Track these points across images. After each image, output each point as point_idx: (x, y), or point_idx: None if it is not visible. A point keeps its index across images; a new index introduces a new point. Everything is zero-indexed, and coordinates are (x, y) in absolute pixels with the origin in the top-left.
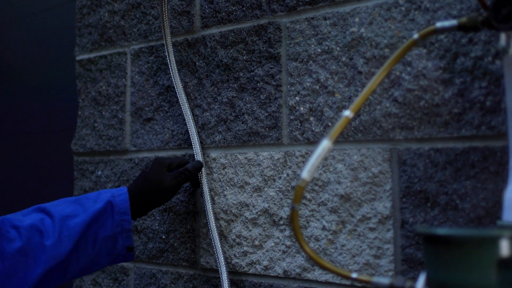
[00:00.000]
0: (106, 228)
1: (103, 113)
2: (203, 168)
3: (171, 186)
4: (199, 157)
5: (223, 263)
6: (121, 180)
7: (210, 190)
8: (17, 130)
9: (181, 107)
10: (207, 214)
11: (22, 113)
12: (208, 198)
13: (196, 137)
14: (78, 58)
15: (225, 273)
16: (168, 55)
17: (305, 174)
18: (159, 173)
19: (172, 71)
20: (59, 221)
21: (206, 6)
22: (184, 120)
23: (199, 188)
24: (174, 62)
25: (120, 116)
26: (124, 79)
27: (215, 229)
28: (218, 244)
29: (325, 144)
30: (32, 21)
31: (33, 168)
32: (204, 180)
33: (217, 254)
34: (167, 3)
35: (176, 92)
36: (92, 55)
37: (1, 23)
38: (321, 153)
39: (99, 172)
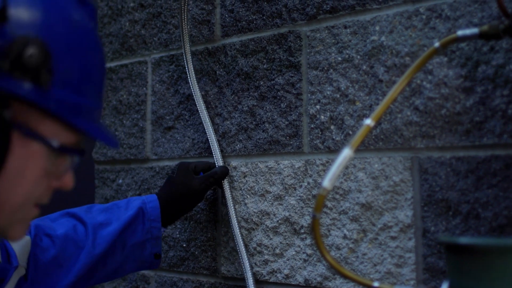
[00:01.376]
0: (136, 235)
1: (124, 121)
2: (228, 192)
3: (200, 190)
4: (220, 165)
5: (249, 271)
6: (142, 188)
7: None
8: None
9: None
10: (231, 222)
11: None
12: (232, 206)
13: (216, 145)
14: None
15: (251, 278)
16: (187, 64)
17: (327, 182)
18: (186, 176)
19: (190, 80)
20: (92, 229)
21: (227, 15)
22: (205, 128)
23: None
24: (193, 71)
25: (141, 125)
26: (145, 88)
27: (239, 237)
28: (244, 251)
29: (346, 152)
30: None
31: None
32: (226, 188)
33: (243, 261)
34: (187, 12)
35: (195, 101)
36: (113, 64)
37: None
38: (343, 162)
39: (120, 181)
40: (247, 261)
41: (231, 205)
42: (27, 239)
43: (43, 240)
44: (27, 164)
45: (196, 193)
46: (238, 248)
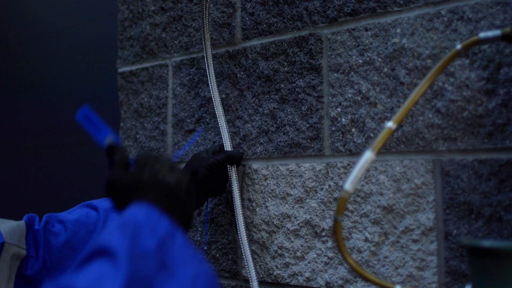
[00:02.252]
0: None
1: (145, 124)
2: (235, 181)
3: (202, 180)
4: (231, 169)
5: (254, 274)
6: None
7: (251, 201)
8: (60, 141)
9: (218, 120)
10: (238, 225)
11: (64, 124)
12: (240, 207)
13: (230, 149)
14: (120, 70)
15: (255, 281)
16: (208, 68)
17: (348, 185)
18: (196, 164)
19: (211, 83)
20: (103, 213)
21: (247, 18)
22: (221, 135)
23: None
24: (214, 75)
25: (162, 128)
26: (165, 91)
27: (245, 239)
28: (249, 253)
29: (368, 155)
30: (74, 33)
31: (76, 179)
32: (235, 189)
33: (247, 264)
34: (208, 16)
35: (214, 106)
36: (134, 68)
37: (44, 35)
38: (364, 165)
39: None
40: (251, 263)
41: (239, 205)
42: (20, 222)
43: (55, 226)
44: None
45: (198, 183)
46: (243, 251)
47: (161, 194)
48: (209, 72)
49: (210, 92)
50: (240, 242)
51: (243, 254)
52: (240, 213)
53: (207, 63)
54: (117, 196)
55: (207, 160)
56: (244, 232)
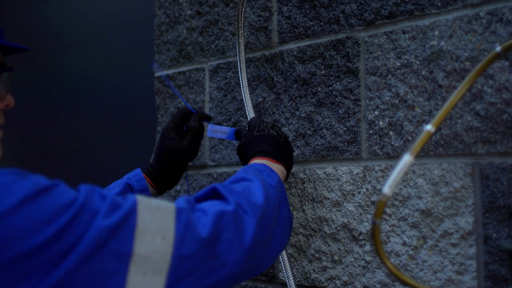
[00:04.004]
0: None
1: None
2: None
3: (183, 150)
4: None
5: (291, 278)
6: None
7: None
8: (97, 144)
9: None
10: None
11: (102, 128)
12: None
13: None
14: (157, 74)
15: (293, 285)
16: (240, 72)
17: (387, 189)
18: (168, 141)
19: (243, 88)
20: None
21: (284, 22)
22: None
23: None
24: (246, 79)
25: None
26: (202, 95)
27: None
28: (286, 257)
29: (406, 159)
30: (111, 38)
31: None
32: None
33: (285, 268)
34: (243, 20)
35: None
36: (170, 72)
37: (83, 40)
38: (403, 168)
39: (178, 187)
40: (288, 267)
41: None
42: None
43: None
44: None
45: (180, 153)
46: (280, 256)
47: (268, 143)
48: (241, 76)
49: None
50: None
51: (281, 257)
52: None
53: (240, 68)
54: (242, 153)
55: (179, 144)
56: None
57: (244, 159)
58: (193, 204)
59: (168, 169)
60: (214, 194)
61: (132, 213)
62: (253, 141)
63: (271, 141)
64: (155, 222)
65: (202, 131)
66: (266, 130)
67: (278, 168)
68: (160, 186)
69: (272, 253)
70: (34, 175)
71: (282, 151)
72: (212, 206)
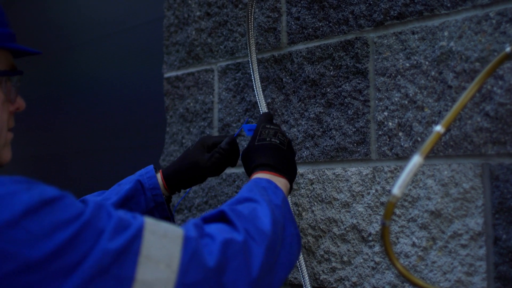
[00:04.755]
0: (141, 205)
1: (191, 129)
2: None
3: (206, 167)
4: None
5: (307, 279)
6: (209, 195)
7: (297, 205)
8: (106, 146)
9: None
10: None
11: (111, 129)
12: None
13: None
14: (166, 75)
15: (309, 286)
16: (253, 73)
17: (396, 190)
18: (197, 153)
19: (256, 88)
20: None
21: (293, 23)
22: None
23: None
24: (259, 79)
25: (208, 132)
26: (211, 96)
27: None
28: (302, 260)
29: (416, 159)
30: (120, 39)
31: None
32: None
33: (301, 270)
34: (253, 21)
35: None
36: (179, 73)
37: (91, 40)
38: (413, 169)
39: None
40: (305, 271)
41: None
42: None
43: None
44: None
45: (201, 170)
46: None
47: (270, 154)
48: (254, 77)
49: (256, 96)
50: None
51: (298, 262)
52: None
53: (252, 68)
54: (245, 162)
55: (206, 161)
56: None
57: (247, 169)
58: (201, 228)
59: (185, 177)
60: (221, 217)
61: (137, 237)
62: (255, 151)
63: (273, 152)
64: (161, 248)
65: (232, 154)
66: (268, 139)
67: (281, 182)
68: (172, 188)
69: (278, 276)
70: (41, 184)
71: (285, 162)
72: (220, 232)
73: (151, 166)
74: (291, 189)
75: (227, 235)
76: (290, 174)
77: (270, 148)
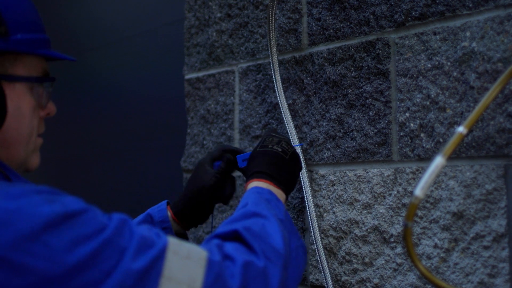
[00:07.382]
0: None
1: (212, 130)
2: (308, 187)
3: (210, 185)
4: (303, 175)
5: (330, 281)
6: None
7: (318, 206)
8: (127, 147)
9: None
10: (312, 231)
11: (132, 130)
12: (314, 214)
13: (301, 156)
14: (186, 77)
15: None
16: (274, 74)
17: (418, 191)
18: (198, 173)
19: (277, 89)
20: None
21: (314, 24)
22: (291, 140)
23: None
24: (280, 81)
25: (229, 134)
26: (232, 97)
27: (320, 246)
28: (324, 261)
29: (438, 160)
30: (141, 41)
31: (142, 185)
32: (308, 196)
33: (323, 271)
34: (274, 22)
35: (281, 111)
36: (200, 74)
37: (113, 42)
38: (435, 170)
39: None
40: (327, 272)
41: (313, 214)
42: None
43: None
44: (20, 103)
45: (206, 189)
46: (319, 258)
47: (269, 161)
48: (275, 78)
49: (277, 98)
50: (315, 248)
51: (319, 261)
52: (314, 219)
53: (273, 69)
54: (246, 167)
55: (208, 180)
56: (319, 238)
57: (245, 174)
58: (222, 249)
59: (193, 202)
60: (236, 237)
61: (160, 258)
62: (255, 157)
63: (272, 159)
64: (183, 270)
65: (229, 171)
66: (269, 146)
67: (278, 193)
68: (184, 222)
69: None
70: (64, 196)
71: (283, 171)
72: (238, 254)
73: (165, 201)
74: (286, 199)
75: (246, 258)
76: (286, 186)
77: (270, 155)
